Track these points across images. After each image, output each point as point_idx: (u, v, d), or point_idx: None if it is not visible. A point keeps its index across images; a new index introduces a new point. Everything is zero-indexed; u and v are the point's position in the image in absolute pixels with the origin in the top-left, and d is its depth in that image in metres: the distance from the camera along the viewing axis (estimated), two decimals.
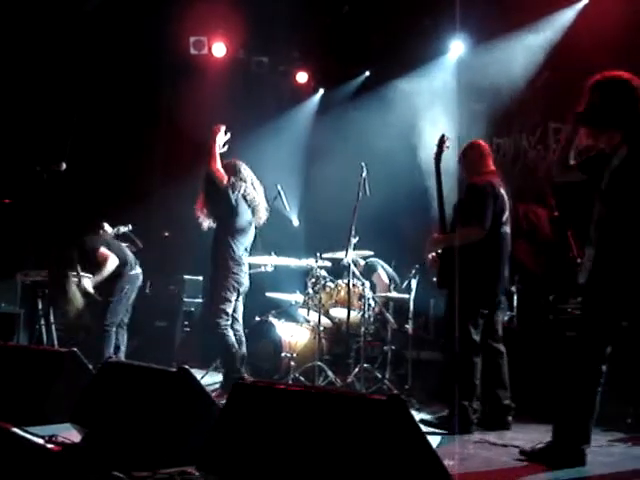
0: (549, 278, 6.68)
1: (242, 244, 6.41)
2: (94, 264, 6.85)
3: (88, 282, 6.80)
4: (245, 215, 6.44)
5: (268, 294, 7.86)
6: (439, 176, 5.54)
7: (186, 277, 9.10)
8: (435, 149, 5.66)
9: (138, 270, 7.06)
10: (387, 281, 7.51)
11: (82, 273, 6.82)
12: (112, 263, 6.82)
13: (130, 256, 7.06)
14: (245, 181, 6.47)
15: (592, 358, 4.00)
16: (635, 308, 4.04)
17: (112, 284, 6.84)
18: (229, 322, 6.35)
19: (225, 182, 6.37)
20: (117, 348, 6.85)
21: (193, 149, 9.67)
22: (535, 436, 4.82)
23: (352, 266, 6.66)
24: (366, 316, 6.80)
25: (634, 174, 3.96)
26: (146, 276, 9.09)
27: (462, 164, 5.65)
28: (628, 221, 3.98)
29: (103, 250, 6.85)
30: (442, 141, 5.63)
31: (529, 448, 4.21)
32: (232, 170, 6.49)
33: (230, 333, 6.34)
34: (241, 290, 6.46)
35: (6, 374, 4.91)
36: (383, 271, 7.60)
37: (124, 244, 7.20)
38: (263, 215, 6.61)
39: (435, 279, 5.75)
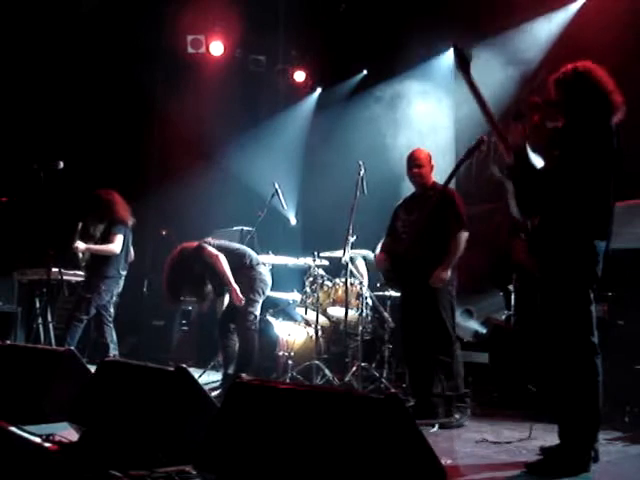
0: None
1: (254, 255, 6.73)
2: (103, 237, 6.89)
3: (82, 244, 6.79)
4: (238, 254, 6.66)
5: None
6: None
7: None
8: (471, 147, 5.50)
9: (123, 273, 7.05)
10: (364, 271, 7.49)
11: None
12: (111, 249, 6.82)
13: (124, 259, 7.05)
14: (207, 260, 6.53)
15: (583, 351, 3.92)
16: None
17: (93, 280, 6.83)
18: (257, 325, 6.59)
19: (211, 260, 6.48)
20: (106, 346, 6.84)
21: (190, 148, 9.70)
22: (532, 434, 4.84)
23: (350, 265, 6.65)
24: (364, 315, 6.81)
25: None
26: (144, 275, 9.12)
27: (427, 170, 5.71)
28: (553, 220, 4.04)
29: (118, 236, 6.86)
30: (479, 144, 5.44)
31: (534, 460, 4.01)
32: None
33: (257, 338, 6.56)
34: (267, 290, 6.71)
35: (3, 373, 4.90)
36: (362, 262, 7.58)
37: None
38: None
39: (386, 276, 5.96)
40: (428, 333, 5.45)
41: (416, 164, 5.71)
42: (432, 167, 5.77)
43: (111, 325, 6.96)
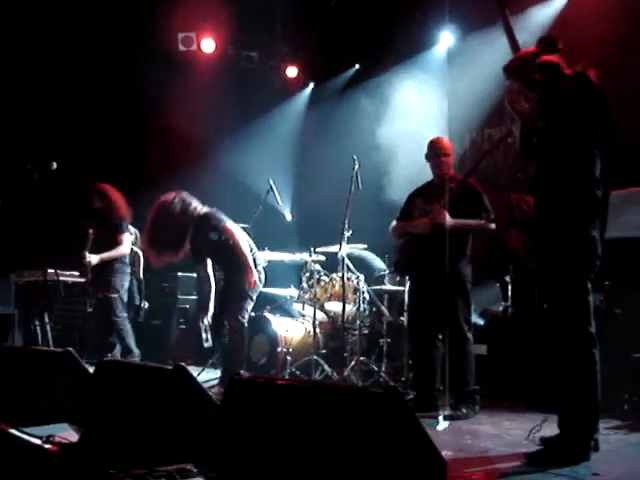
0: None
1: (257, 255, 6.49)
2: (111, 241, 6.83)
3: (95, 257, 6.72)
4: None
5: (262, 289, 7.84)
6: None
7: (180, 274, 9.08)
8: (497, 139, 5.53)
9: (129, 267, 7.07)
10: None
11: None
12: (122, 252, 6.82)
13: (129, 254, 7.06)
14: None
15: (581, 342, 3.91)
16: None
17: (112, 279, 6.81)
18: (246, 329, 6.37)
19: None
20: (113, 347, 6.82)
21: (184, 145, 9.69)
22: (531, 425, 4.84)
23: (346, 259, 6.65)
24: (361, 309, 6.81)
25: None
26: None
27: (451, 159, 5.66)
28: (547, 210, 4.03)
29: (125, 235, 6.85)
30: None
31: (535, 450, 3.99)
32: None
33: (246, 341, 6.38)
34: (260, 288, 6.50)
35: (2, 375, 4.90)
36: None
37: None
38: None
39: (398, 263, 5.93)
40: (439, 328, 5.44)
41: (443, 153, 5.58)
42: (453, 157, 5.72)
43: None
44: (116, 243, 6.81)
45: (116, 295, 6.75)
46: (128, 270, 6.95)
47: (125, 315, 6.80)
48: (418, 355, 5.66)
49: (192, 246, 6.38)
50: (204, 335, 6.55)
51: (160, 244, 6.32)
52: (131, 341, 6.77)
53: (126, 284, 6.89)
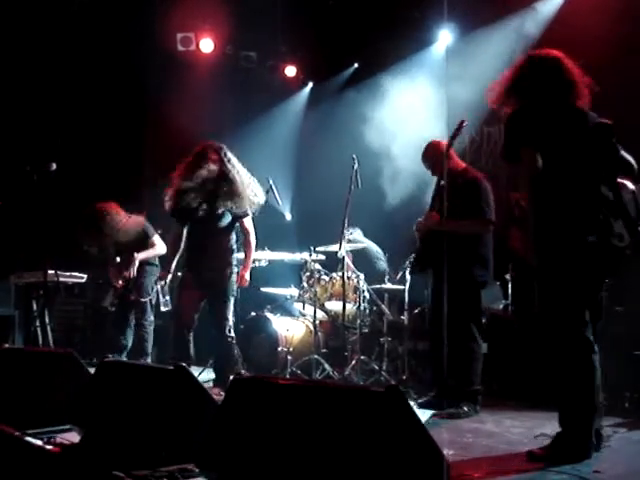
0: None
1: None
2: (146, 246, 6.90)
3: (134, 268, 6.80)
4: None
5: (263, 289, 7.85)
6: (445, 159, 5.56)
7: (180, 275, 9.07)
8: (452, 133, 5.54)
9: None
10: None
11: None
12: (160, 251, 6.92)
13: None
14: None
15: (578, 348, 3.89)
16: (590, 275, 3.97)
17: (145, 282, 6.87)
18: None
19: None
20: (124, 348, 6.83)
21: (182, 146, 9.67)
22: (532, 423, 4.86)
23: (346, 258, 6.65)
24: (361, 308, 6.81)
25: None
26: None
27: (431, 167, 5.69)
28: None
29: (155, 237, 6.97)
30: (460, 126, 5.54)
31: (536, 448, 4.00)
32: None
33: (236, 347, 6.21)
34: None
35: (2, 377, 4.89)
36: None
37: None
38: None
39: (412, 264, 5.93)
40: (448, 326, 5.40)
41: (426, 163, 5.70)
42: (438, 160, 5.57)
43: (133, 328, 6.96)
44: (146, 248, 6.91)
45: (147, 299, 6.82)
46: (157, 272, 6.98)
47: (152, 319, 6.90)
48: (434, 351, 5.56)
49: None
50: (162, 299, 6.54)
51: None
52: (149, 345, 6.88)
53: (157, 286, 6.91)
